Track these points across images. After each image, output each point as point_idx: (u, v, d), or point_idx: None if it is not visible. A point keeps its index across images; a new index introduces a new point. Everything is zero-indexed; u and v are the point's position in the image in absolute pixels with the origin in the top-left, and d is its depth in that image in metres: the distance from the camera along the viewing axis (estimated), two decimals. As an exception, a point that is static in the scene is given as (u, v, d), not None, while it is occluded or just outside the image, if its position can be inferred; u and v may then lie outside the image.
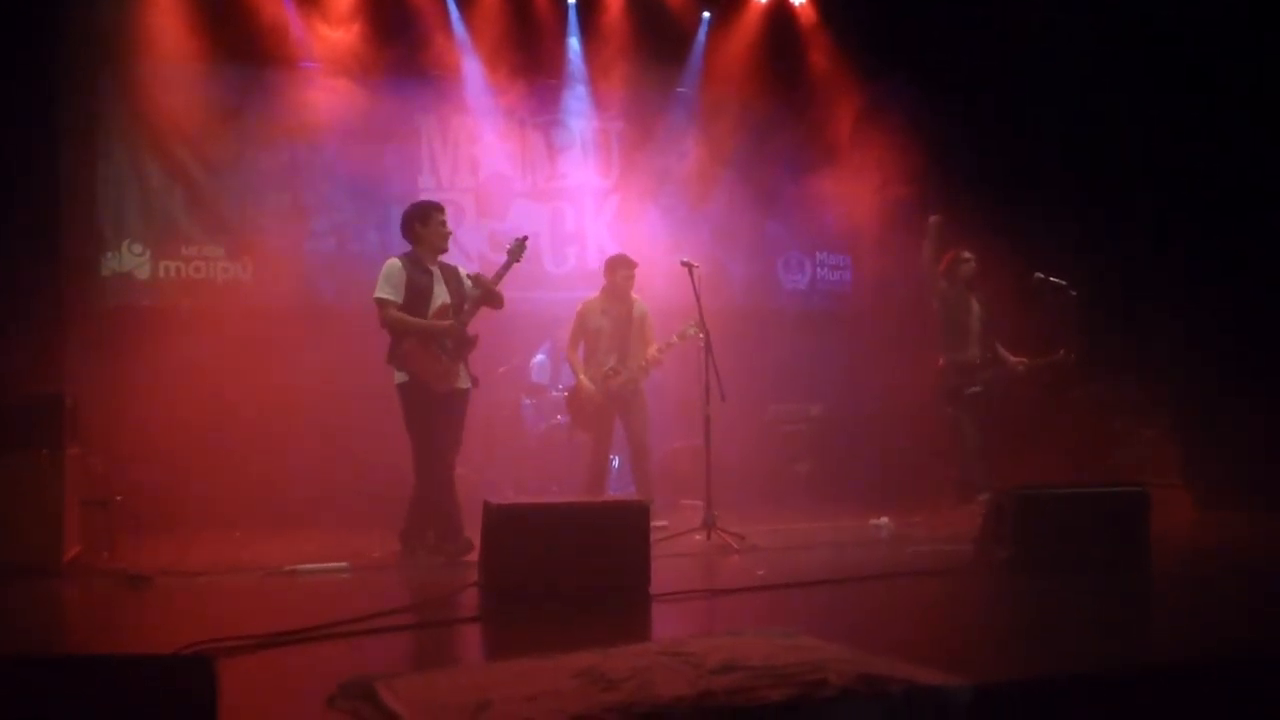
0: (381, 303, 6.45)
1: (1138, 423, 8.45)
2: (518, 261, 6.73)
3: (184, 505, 8.05)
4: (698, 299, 7.15)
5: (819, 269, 11.11)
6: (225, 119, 9.30)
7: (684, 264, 7.29)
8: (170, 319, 8.80)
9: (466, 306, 6.58)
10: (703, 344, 7.10)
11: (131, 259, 9.09)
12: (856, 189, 10.51)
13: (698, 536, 6.82)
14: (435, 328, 6.48)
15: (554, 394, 9.32)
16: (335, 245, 9.63)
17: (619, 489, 9.11)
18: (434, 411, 6.47)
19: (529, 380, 9.51)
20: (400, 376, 6.48)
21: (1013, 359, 8.29)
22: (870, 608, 4.91)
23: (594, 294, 8.12)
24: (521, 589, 4.97)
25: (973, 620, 4.74)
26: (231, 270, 9.31)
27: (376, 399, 8.80)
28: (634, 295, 7.97)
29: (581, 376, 7.88)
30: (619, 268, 7.99)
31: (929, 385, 8.37)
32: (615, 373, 7.81)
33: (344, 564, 6.15)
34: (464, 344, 6.58)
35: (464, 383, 6.63)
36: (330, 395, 8.71)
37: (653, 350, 7.80)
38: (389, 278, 6.47)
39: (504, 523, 5.06)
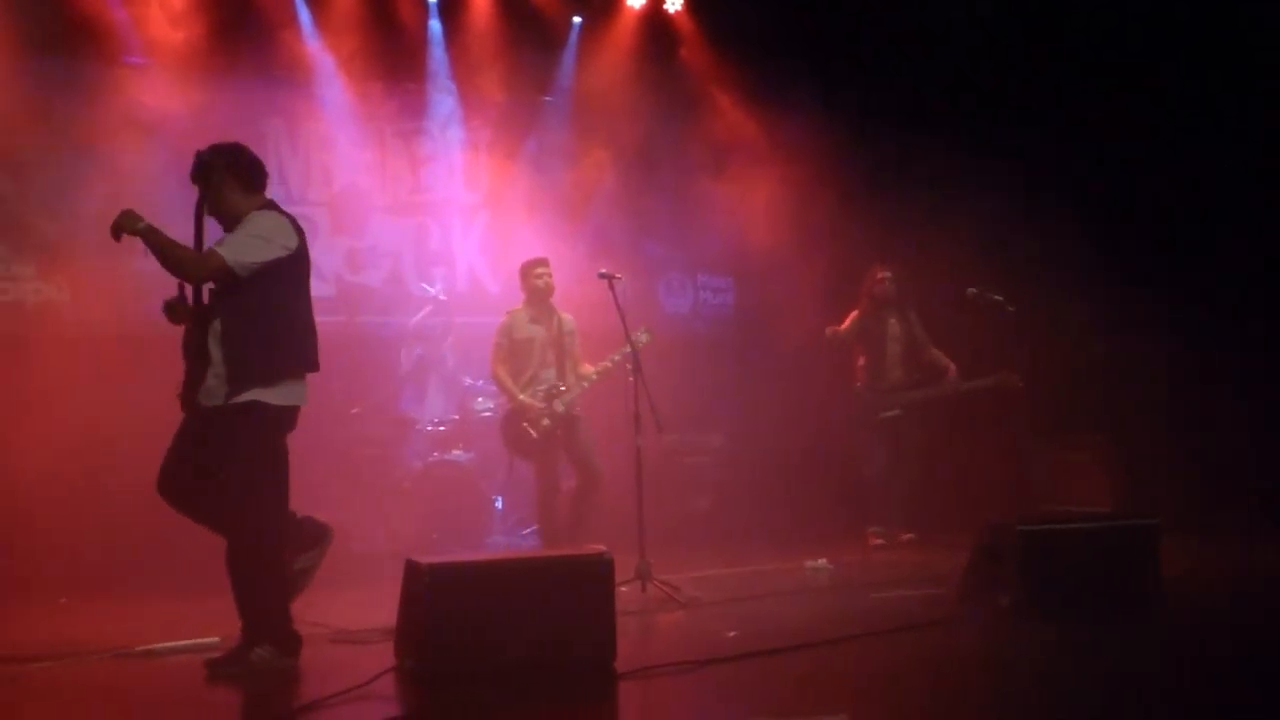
0: None
1: (1059, 445, 8.11)
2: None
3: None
4: (621, 315, 6.35)
5: (701, 292, 10.50)
6: (33, 119, 7.99)
7: (603, 276, 6.52)
8: (-30, 348, 7.53)
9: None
10: (630, 367, 6.29)
11: (-79, 280, 7.76)
12: (740, 206, 9.96)
13: (623, 588, 5.96)
14: None
15: (429, 429, 8.34)
16: (170, 263, 8.41)
17: (507, 534, 8.21)
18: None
19: (396, 413, 8.48)
20: None
21: (950, 379, 7.92)
22: (897, 675, 4.21)
23: (516, 306, 7.36)
24: (456, 671, 4.06)
25: (1035, 688, 4.04)
26: (44, 291, 8.05)
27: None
28: (560, 311, 7.24)
29: (521, 395, 6.98)
30: (532, 268, 7.23)
31: (846, 410, 7.89)
32: (559, 390, 6.98)
33: (214, 639, 5.06)
34: (186, 343, 4.84)
35: (204, 396, 4.73)
36: (167, 434, 7.51)
37: (603, 363, 6.97)
38: None
39: (436, 586, 4.13)
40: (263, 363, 4.73)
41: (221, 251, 4.71)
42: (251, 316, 4.75)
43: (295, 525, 4.88)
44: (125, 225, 4.78)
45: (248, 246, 4.73)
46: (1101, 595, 4.87)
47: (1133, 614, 4.90)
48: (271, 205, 4.94)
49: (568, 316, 7.26)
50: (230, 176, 4.90)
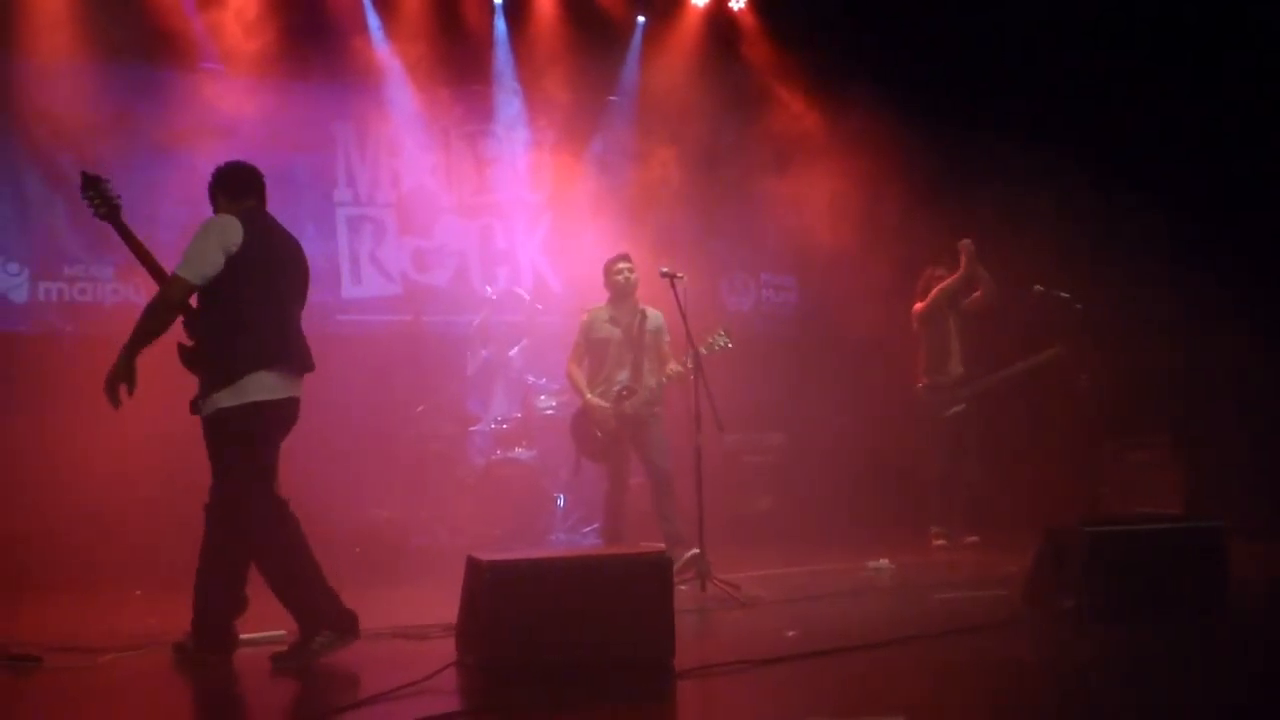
0: None
1: (1128, 446, 7.98)
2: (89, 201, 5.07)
3: (69, 562, 6.96)
4: (683, 315, 6.36)
5: (764, 290, 10.49)
6: (114, 123, 8.26)
7: (665, 274, 6.50)
8: (50, 347, 7.88)
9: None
10: (691, 365, 6.30)
11: (6, 279, 8.05)
12: (804, 204, 9.92)
13: (683, 587, 5.99)
14: None
15: (492, 427, 8.43)
16: (243, 264, 8.61)
17: (568, 533, 8.27)
18: None
19: (460, 411, 8.58)
20: None
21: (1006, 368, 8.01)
22: (957, 677, 4.17)
23: (599, 303, 7.22)
24: (516, 667, 4.12)
25: (1098, 692, 3.97)
26: (122, 292, 8.29)
27: (295, 435, 7.90)
28: (645, 306, 7.08)
29: (589, 396, 6.91)
30: (613, 264, 7.11)
31: (908, 409, 7.85)
32: (630, 391, 6.87)
33: (280, 632, 5.17)
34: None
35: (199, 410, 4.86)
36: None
37: (675, 366, 6.79)
38: None
39: (497, 583, 4.19)
40: (219, 365, 4.72)
41: (179, 273, 4.70)
42: (206, 322, 4.76)
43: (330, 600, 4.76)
44: (113, 380, 4.78)
45: (195, 257, 4.68)
46: (1168, 599, 4.79)
47: (1200, 618, 4.83)
48: (248, 210, 4.85)
49: (654, 313, 7.06)
50: (220, 193, 4.99)
